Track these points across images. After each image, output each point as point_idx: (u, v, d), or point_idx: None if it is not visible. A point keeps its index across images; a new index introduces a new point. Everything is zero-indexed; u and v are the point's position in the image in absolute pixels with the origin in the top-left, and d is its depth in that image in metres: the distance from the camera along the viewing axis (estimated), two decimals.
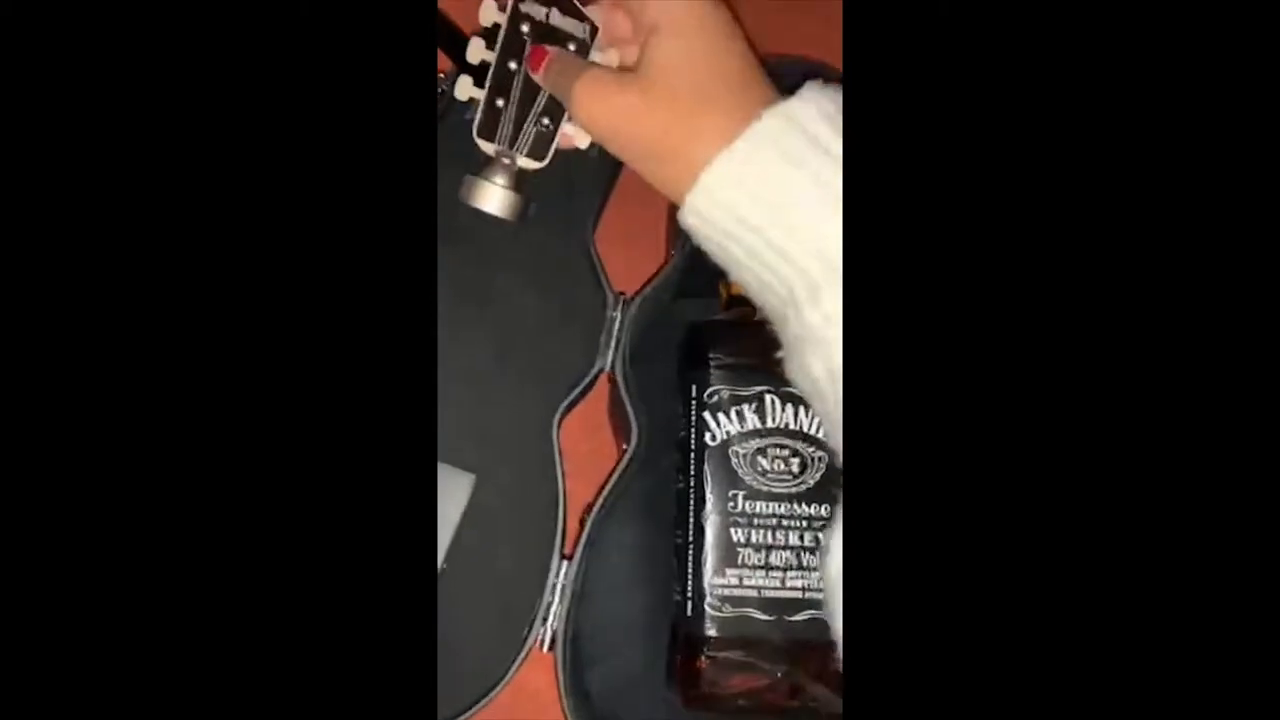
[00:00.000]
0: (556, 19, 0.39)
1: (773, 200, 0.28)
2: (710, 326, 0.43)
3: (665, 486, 0.44)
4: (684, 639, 0.40)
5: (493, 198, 0.40)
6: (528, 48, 0.38)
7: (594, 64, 0.37)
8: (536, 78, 0.37)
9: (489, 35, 0.38)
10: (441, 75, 0.45)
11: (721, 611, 0.39)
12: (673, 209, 0.35)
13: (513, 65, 0.38)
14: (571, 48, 0.39)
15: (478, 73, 0.38)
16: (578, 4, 0.39)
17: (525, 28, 0.38)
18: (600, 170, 0.45)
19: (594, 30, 0.39)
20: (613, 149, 0.34)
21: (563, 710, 0.40)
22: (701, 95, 0.30)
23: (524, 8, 0.38)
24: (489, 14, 0.39)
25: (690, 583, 0.40)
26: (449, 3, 0.43)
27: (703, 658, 0.39)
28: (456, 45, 0.41)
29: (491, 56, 0.38)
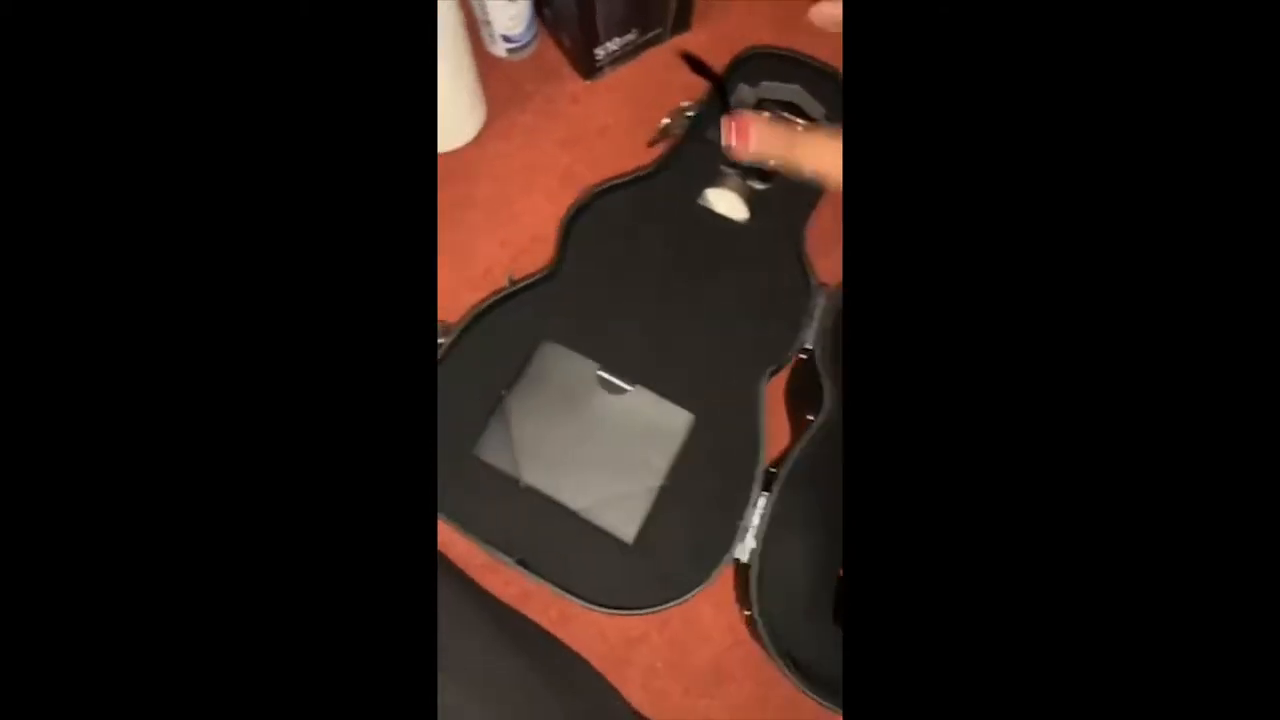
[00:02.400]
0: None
1: None
2: None
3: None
4: None
5: (728, 204, 0.52)
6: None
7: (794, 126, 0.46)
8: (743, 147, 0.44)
9: None
10: (690, 103, 0.57)
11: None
12: None
13: None
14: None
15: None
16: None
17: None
18: (811, 188, 0.55)
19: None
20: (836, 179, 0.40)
21: (746, 618, 0.48)
22: None
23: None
24: None
25: None
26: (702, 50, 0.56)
27: None
28: (720, 87, 0.54)
29: None
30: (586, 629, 0.53)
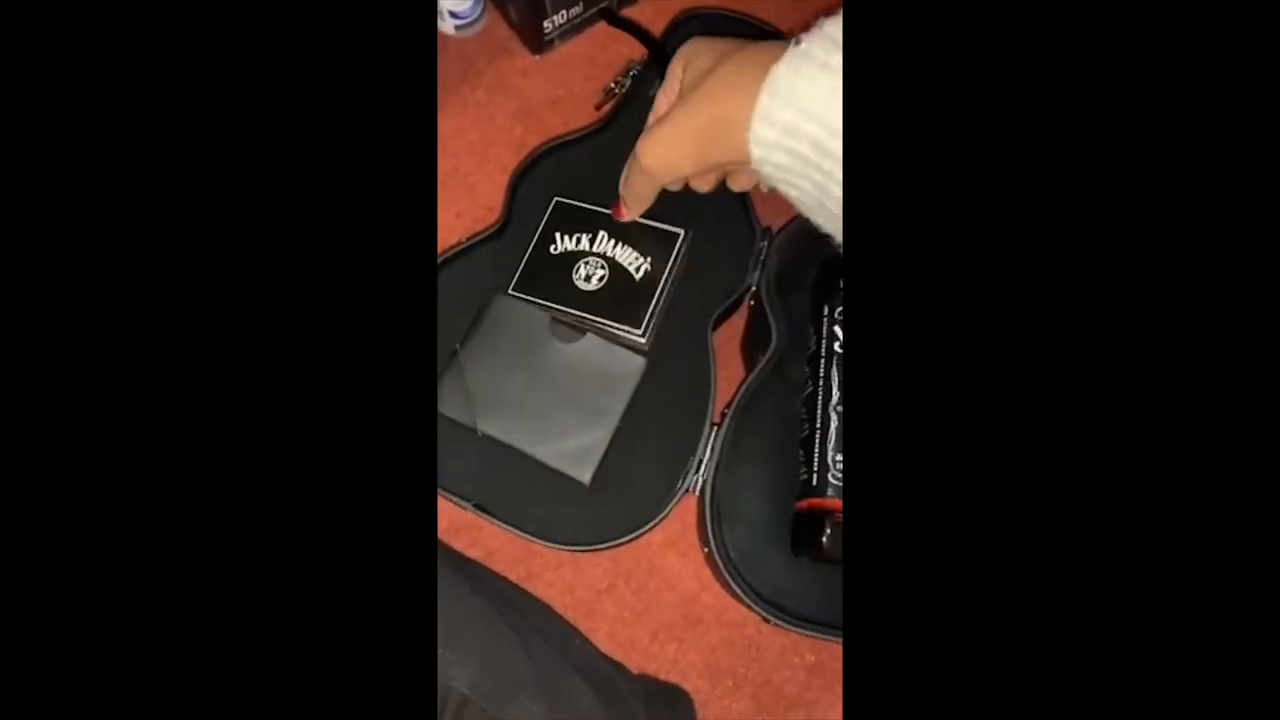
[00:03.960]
0: None
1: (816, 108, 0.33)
2: (840, 259, 0.53)
3: (793, 394, 0.52)
4: (808, 507, 0.48)
5: None
6: None
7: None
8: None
9: None
10: (634, 62, 0.58)
11: (842, 483, 0.47)
12: None
13: None
14: None
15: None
16: None
17: None
18: None
19: None
20: (681, 163, 0.42)
21: (705, 554, 0.49)
22: (727, 79, 0.37)
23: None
24: None
25: (816, 461, 0.48)
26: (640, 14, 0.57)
27: (826, 521, 0.47)
28: (648, 40, 0.55)
29: None
30: (554, 585, 0.53)
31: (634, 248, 0.51)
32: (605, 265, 0.51)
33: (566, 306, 0.51)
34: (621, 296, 0.50)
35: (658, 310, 0.49)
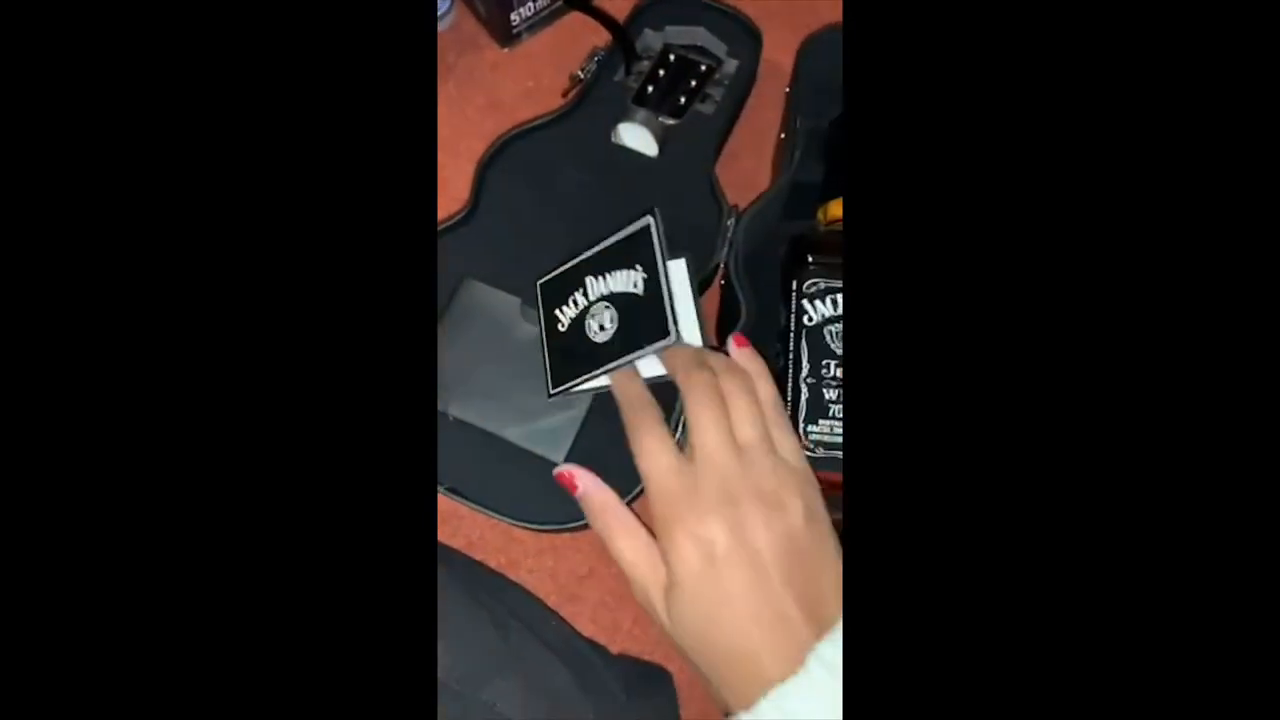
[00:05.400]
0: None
1: None
2: (810, 234, 0.52)
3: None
4: None
5: (638, 139, 0.54)
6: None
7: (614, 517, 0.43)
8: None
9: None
10: (599, 48, 0.59)
11: (814, 453, 0.47)
12: (778, 153, 0.45)
13: (661, 72, 0.57)
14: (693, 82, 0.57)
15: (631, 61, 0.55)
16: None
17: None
18: (718, 123, 0.57)
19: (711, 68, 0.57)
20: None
21: None
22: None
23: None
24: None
25: None
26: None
27: None
28: (611, 24, 0.56)
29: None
30: (535, 572, 0.53)
31: (621, 268, 0.48)
32: (609, 304, 0.48)
33: (604, 366, 0.47)
34: (638, 318, 0.47)
35: (672, 302, 0.47)
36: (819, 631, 0.35)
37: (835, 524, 0.44)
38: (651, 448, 0.40)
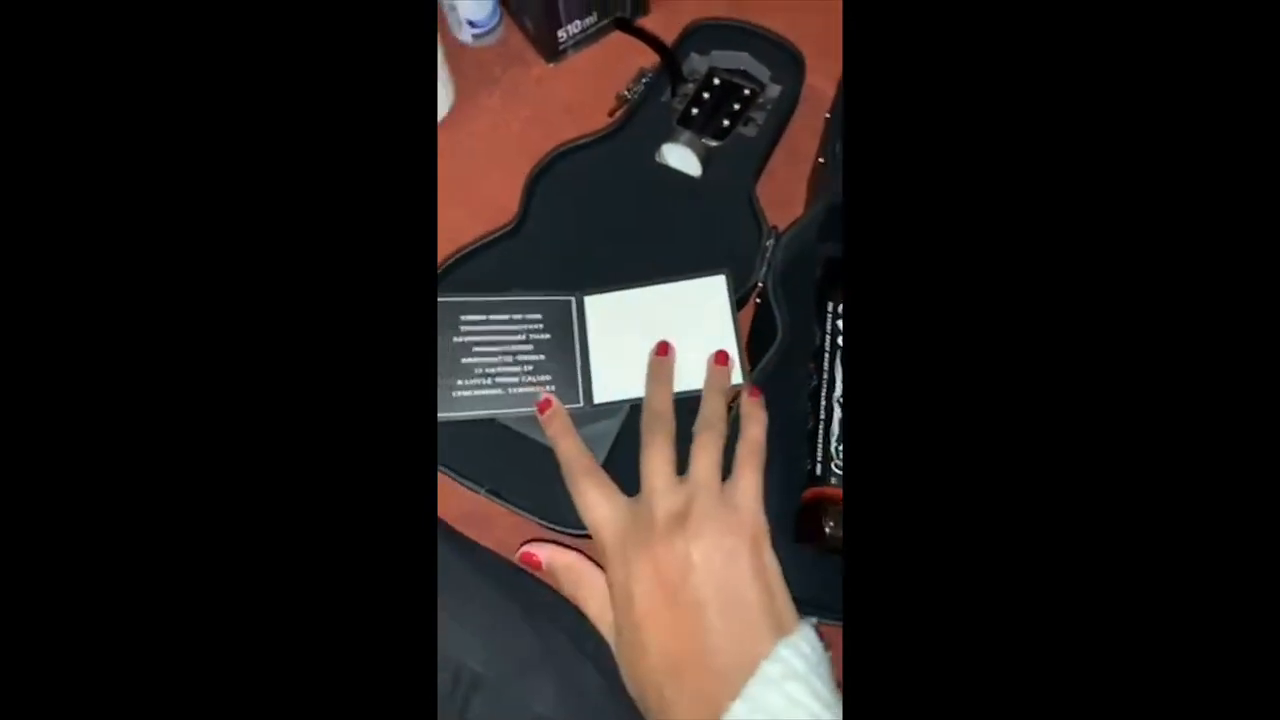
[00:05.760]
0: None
1: None
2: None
3: (798, 389, 0.54)
4: (813, 496, 0.49)
5: (682, 159, 0.55)
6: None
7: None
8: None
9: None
10: (646, 70, 0.60)
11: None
12: (813, 175, 0.47)
13: (706, 95, 0.59)
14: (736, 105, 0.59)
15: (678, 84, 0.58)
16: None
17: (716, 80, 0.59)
18: (760, 146, 0.58)
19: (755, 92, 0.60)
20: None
21: None
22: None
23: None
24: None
25: (820, 452, 0.50)
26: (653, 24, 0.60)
27: (830, 510, 0.48)
28: (660, 48, 0.58)
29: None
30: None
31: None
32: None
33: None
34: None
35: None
36: (724, 688, 0.36)
37: (837, 541, 0.46)
38: (595, 499, 0.45)
